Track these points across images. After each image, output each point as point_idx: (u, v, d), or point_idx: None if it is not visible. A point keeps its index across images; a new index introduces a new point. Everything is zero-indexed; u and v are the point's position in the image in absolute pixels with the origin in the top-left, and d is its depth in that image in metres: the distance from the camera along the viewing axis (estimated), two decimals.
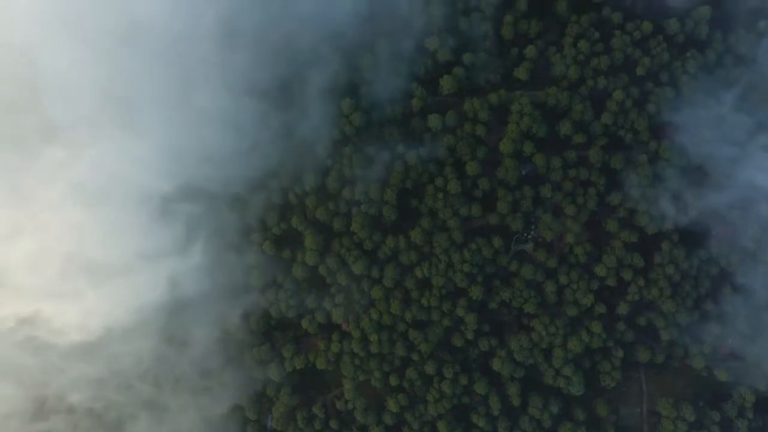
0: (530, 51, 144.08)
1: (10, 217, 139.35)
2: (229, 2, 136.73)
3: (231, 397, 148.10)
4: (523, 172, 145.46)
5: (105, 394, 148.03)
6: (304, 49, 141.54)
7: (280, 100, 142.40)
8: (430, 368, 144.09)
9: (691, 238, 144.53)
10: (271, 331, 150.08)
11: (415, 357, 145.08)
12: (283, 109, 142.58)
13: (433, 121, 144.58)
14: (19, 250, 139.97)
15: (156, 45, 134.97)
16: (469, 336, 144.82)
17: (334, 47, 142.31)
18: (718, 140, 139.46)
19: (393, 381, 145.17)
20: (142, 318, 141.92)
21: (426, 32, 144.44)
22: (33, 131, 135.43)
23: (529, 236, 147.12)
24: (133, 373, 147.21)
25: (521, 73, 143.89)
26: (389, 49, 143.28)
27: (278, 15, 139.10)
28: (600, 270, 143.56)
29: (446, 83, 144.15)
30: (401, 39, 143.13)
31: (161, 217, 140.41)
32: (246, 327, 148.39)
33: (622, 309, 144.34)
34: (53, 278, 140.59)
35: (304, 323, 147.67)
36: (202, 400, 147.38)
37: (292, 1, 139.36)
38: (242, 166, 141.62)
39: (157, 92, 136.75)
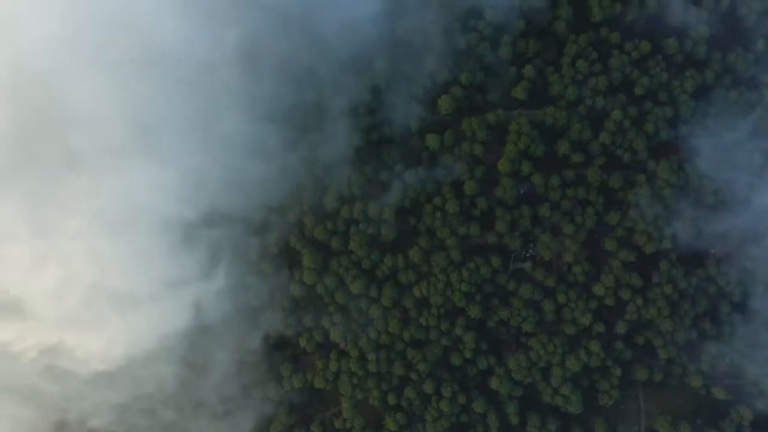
0: (528, 71, 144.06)
1: (32, 248, 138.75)
2: (251, 29, 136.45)
3: (251, 421, 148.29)
4: (522, 191, 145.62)
5: (127, 419, 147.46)
6: (325, 74, 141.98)
7: (300, 124, 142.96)
8: (428, 387, 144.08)
9: (690, 257, 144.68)
10: (269, 350, 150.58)
11: (413, 376, 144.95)
12: (304, 132, 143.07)
13: (431, 140, 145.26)
14: (42, 281, 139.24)
15: (178, 72, 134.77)
16: (468, 355, 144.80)
17: (355, 72, 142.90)
18: (734, 166, 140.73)
19: (391, 400, 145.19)
20: (165, 344, 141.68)
21: (425, 53, 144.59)
22: (55, 159, 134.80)
23: (528, 254, 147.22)
24: (155, 398, 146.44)
25: (519, 92, 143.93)
26: (404, 71, 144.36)
27: (299, 41, 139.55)
28: (598, 289, 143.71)
29: (444, 103, 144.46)
30: (417, 61, 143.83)
31: (184, 244, 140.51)
32: (266, 350, 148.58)
33: (621, 328, 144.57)
34: (76, 308, 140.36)
35: (302, 342, 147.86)
36: (222, 425, 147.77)
37: (313, 26, 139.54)
38: (263, 190, 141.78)
39: (180, 119, 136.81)
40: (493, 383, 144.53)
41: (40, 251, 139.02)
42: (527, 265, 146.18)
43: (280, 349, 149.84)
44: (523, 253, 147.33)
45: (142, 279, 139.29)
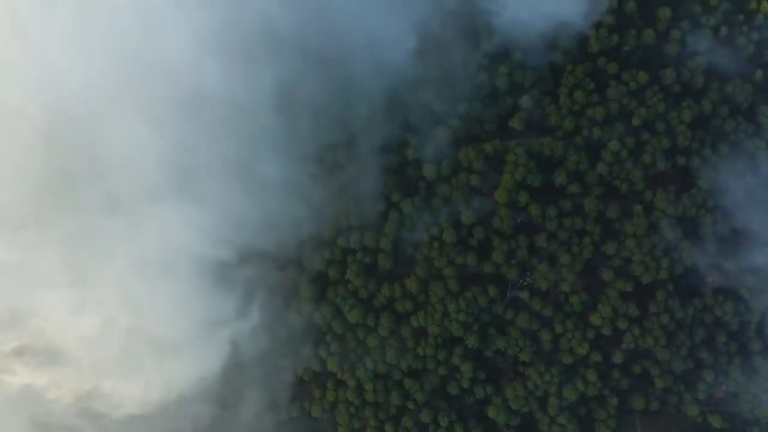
0: (525, 101, 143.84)
1: (70, 293, 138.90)
2: (287, 71, 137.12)
3: None
4: (518, 220, 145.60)
5: None
6: (359, 113, 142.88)
7: (332, 162, 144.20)
8: (425, 416, 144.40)
9: (686, 287, 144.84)
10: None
11: (410, 405, 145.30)
12: (335, 170, 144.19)
13: (428, 170, 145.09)
14: (79, 327, 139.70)
15: (215, 114, 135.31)
16: (465, 384, 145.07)
17: (388, 111, 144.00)
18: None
19: (389, 429, 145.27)
20: (201, 385, 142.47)
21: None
22: (93, 203, 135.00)
23: (525, 283, 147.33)
24: None
25: (516, 123, 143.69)
26: (435, 110, 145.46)
27: (334, 82, 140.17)
28: (595, 319, 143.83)
29: (441, 133, 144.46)
30: (448, 100, 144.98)
31: (219, 284, 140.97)
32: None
33: (618, 357, 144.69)
34: (114, 354, 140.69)
35: (300, 371, 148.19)
36: None
37: (348, 68, 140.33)
38: (297, 226, 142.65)
39: (217, 161, 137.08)
40: (491, 412, 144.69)
41: (78, 297, 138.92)
42: (525, 294, 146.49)
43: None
44: (521, 281, 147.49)
45: (179, 322, 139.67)
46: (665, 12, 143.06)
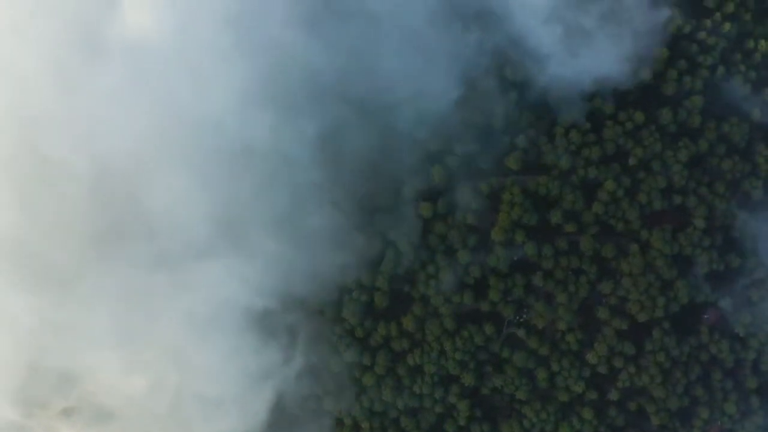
0: (521, 140, 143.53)
1: (118, 354, 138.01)
2: (331, 121, 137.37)
3: None
4: (515, 258, 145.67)
5: None
6: (400, 161, 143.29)
7: (371, 209, 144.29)
8: None
9: (682, 325, 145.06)
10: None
11: None
12: (374, 215, 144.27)
13: (424, 209, 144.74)
14: (127, 387, 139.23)
15: (260, 166, 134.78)
16: (462, 422, 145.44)
17: (428, 158, 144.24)
18: None
19: None
20: None
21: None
22: (140, 259, 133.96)
23: (522, 319, 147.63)
24: None
25: (512, 162, 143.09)
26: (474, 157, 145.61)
27: (377, 131, 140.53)
28: (591, 357, 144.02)
29: (437, 172, 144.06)
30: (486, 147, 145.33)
31: (265, 335, 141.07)
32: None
33: (614, 395, 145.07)
34: (161, 413, 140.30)
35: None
36: None
37: (390, 117, 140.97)
38: (338, 273, 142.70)
39: (263, 213, 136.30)
40: None
41: (126, 356, 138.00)
42: (521, 332, 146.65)
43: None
44: (517, 317, 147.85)
45: (226, 377, 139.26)
46: (662, 51, 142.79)
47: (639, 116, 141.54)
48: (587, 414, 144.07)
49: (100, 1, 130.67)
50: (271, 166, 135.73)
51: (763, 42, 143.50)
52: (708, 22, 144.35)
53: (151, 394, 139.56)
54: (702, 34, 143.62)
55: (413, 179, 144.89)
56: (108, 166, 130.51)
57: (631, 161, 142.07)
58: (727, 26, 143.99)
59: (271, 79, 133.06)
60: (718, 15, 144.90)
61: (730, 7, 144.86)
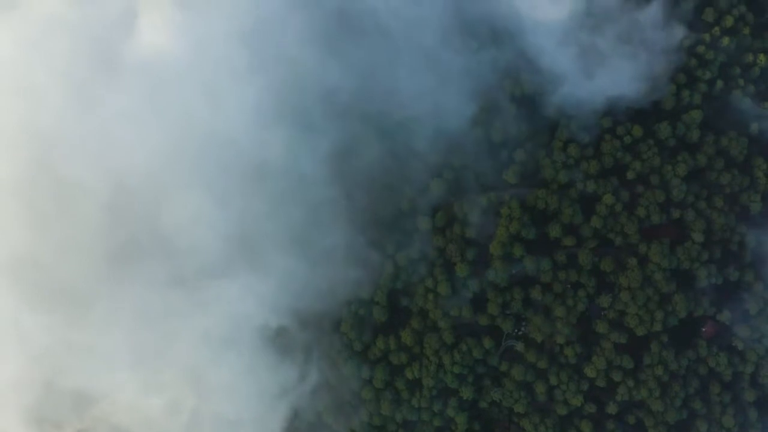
0: (519, 154, 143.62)
1: (135, 375, 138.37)
2: (346, 138, 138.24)
3: None
4: (513, 271, 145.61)
5: None
6: (415, 180, 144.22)
7: (386, 226, 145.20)
8: None
9: (680, 338, 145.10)
10: None
11: None
12: (389, 233, 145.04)
13: (423, 222, 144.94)
14: (144, 408, 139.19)
15: (276, 184, 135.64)
16: None
17: (442, 177, 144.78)
18: None
19: None
20: None
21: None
22: (157, 278, 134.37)
23: (520, 332, 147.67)
24: None
25: (510, 176, 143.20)
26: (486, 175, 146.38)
27: (392, 149, 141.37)
28: (590, 371, 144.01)
29: (436, 186, 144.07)
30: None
31: (281, 352, 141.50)
32: None
33: (612, 408, 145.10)
34: None
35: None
36: None
37: (406, 135, 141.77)
38: (356, 290, 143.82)
39: (279, 230, 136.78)
40: None
41: (143, 377, 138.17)
42: (520, 345, 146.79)
43: None
44: (516, 331, 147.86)
45: (243, 397, 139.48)
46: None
47: (637, 130, 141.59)
48: (586, 427, 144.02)
49: (116, 20, 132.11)
50: (285, 184, 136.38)
51: (761, 56, 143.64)
52: (707, 37, 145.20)
53: (167, 414, 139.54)
54: (701, 48, 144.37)
55: (425, 195, 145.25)
56: (123, 185, 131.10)
57: (629, 175, 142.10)
58: (725, 40, 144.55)
59: (285, 97, 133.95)
60: (716, 29, 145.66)
61: (729, 22, 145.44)
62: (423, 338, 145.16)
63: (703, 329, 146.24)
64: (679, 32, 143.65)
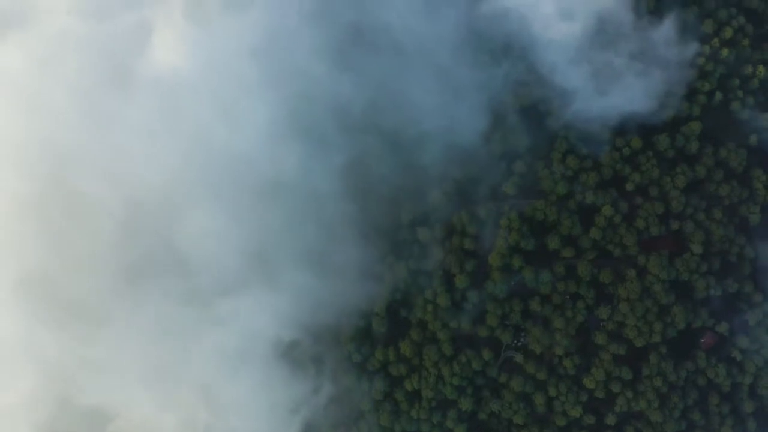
0: (518, 166, 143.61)
1: (150, 391, 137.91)
2: (360, 153, 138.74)
3: None
4: (512, 283, 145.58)
5: None
6: (426, 193, 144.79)
7: (396, 239, 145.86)
8: None
9: (679, 350, 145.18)
10: None
11: None
12: (398, 247, 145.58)
13: (422, 233, 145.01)
14: (158, 425, 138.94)
15: (290, 199, 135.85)
16: None
17: (453, 191, 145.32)
18: None
19: None
20: None
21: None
22: (172, 295, 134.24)
23: (519, 344, 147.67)
24: None
25: (509, 188, 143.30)
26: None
27: (404, 163, 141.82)
28: (589, 383, 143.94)
29: (436, 197, 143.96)
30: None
31: (295, 366, 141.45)
32: None
33: (611, 419, 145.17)
34: None
35: None
36: None
37: (417, 150, 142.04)
38: (369, 303, 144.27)
39: (294, 245, 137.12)
40: None
41: (158, 393, 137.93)
42: (519, 357, 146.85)
43: None
44: (515, 342, 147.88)
45: (257, 412, 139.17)
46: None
47: (636, 142, 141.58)
48: None
49: (130, 37, 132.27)
50: (298, 199, 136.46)
51: (760, 68, 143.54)
52: (706, 48, 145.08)
53: (181, 430, 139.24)
54: (700, 60, 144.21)
55: (434, 208, 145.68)
56: (137, 201, 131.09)
57: (628, 187, 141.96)
58: (725, 52, 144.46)
59: (298, 112, 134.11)
60: (716, 41, 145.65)
61: (729, 33, 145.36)
62: (422, 349, 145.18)
63: (702, 340, 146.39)
64: (691, 48, 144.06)
